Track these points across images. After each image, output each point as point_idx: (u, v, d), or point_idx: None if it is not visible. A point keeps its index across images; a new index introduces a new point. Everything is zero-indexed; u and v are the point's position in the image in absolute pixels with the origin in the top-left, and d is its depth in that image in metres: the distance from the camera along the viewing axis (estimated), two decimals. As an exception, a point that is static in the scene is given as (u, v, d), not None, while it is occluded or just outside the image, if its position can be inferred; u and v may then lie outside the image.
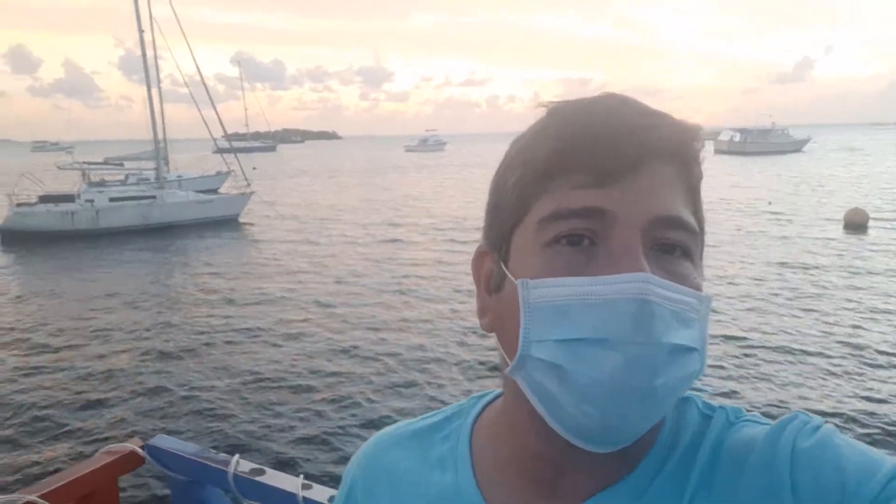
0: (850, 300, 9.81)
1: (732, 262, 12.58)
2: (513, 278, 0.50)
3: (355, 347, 8.17)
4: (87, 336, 9.06)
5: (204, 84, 23.27)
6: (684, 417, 0.55)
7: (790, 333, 8.33)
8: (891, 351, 7.65)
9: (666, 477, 0.52)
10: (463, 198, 26.48)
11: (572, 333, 0.45)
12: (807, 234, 15.56)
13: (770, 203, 21.69)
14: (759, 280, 11.19)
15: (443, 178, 38.66)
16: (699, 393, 0.57)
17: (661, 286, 0.45)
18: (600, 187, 0.47)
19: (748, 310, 9.38)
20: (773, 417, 0.52)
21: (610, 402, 0.45)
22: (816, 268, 11.98)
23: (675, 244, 0.49)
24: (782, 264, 12.37)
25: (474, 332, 8.30)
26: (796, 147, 58.85)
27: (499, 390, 0.63)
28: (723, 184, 28.74)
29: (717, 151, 59.60)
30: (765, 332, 8.37)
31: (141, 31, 21.26)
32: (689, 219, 0.49)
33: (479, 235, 0.59)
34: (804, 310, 9.36)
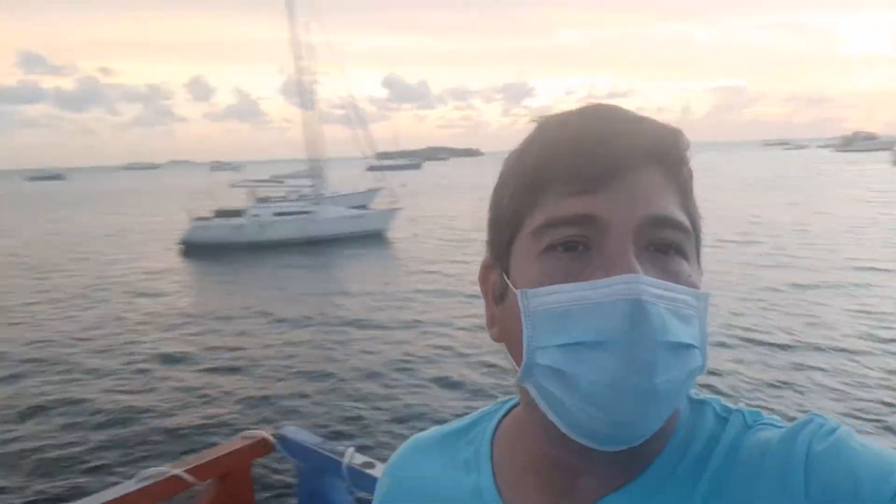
0: None
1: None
2: (514, 288, 0.52)
3: (491, 366, 8.24)
4: (241, 331, 10.21)
5: (356, 105, 24.85)
6: (699, 419, 0.55)
7: None
8: None
9: (678, 478, 0.52)
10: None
11: (571, 338, 0.47)
12: None
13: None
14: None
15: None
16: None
17: (654, 285, 0.46)
18: (588, 194, 0.49)
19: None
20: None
21: (613, 403, 0.46)
22: None
23: (668, 244, 0.49)
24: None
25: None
26: None
27: None
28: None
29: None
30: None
31: (299, 59, 23.19)
32: (681, 218, 0.50)
33: None
34: None
